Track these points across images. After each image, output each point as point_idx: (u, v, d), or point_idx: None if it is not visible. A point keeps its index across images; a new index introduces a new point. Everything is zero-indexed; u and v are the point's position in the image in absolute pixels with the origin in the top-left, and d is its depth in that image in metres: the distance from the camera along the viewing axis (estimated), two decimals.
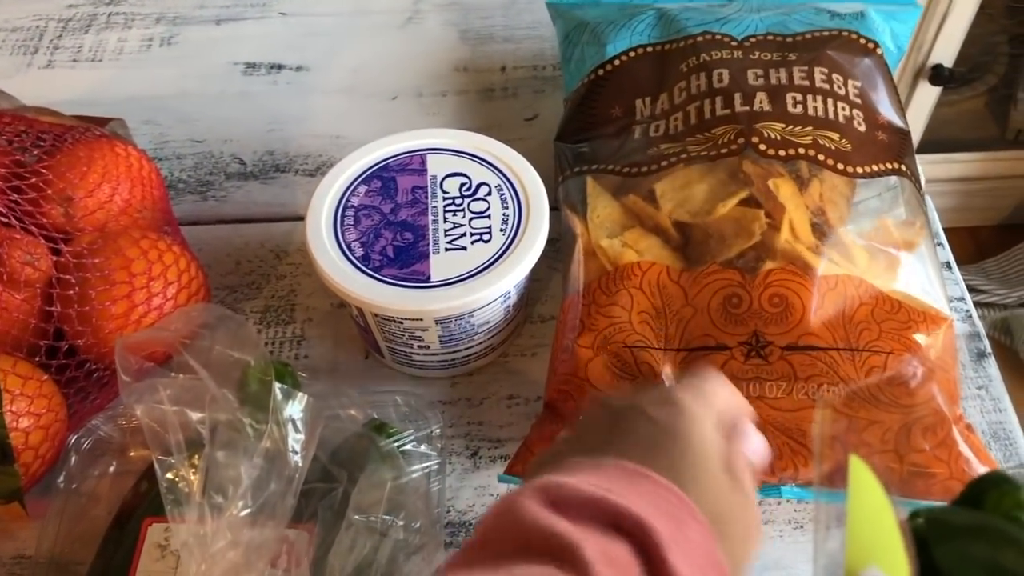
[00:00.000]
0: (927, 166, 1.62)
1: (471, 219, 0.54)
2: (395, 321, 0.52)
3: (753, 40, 0.60)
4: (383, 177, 0.57)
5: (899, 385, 0.48)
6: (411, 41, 0.80)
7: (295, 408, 0.44)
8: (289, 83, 0.77)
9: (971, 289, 1.57)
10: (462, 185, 0.56)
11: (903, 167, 0.55)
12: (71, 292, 0.53)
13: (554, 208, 0.57)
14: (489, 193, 0.56)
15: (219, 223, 0.68)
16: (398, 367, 0.59)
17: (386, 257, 0.53)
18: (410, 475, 0.48)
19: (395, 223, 0.54)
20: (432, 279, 0.52)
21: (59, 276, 0.53)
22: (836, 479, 0.49)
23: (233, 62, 0.79)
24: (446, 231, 0.54)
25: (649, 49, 0.61)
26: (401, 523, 0.45)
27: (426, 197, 0.56)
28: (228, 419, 0.43)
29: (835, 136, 0.54)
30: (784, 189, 0.52)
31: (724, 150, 0.54)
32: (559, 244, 0.62)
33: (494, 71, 0.77)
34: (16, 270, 0.52)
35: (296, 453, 0.43)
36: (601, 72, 0.62)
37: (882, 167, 0.54)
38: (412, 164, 0.57)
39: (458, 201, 0.55)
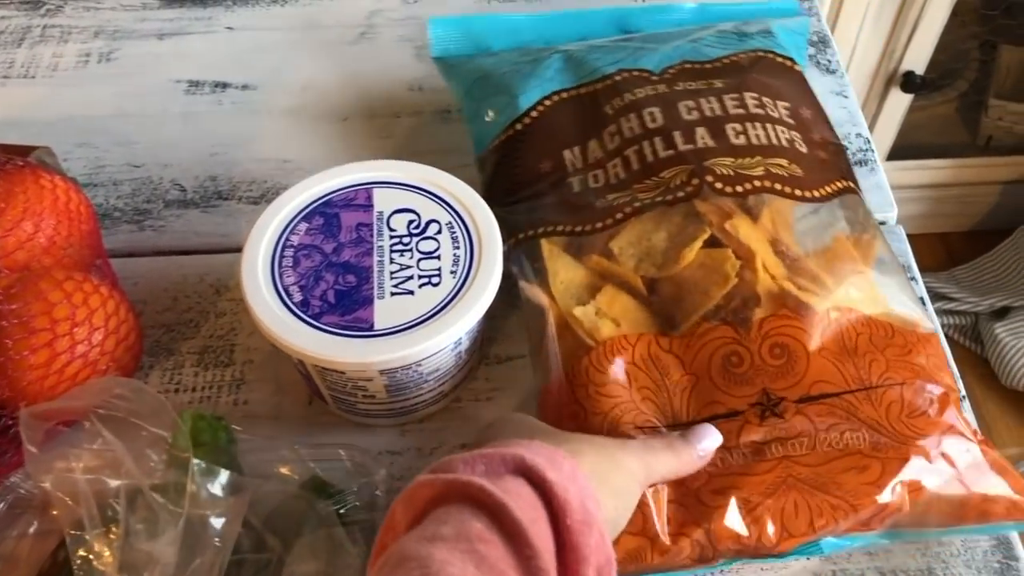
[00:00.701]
0: (898, 172, 1.61)
1: (419, 260, 0.51)
2: (337, 371, 0.49)
3: (672, 72, 0.57)
4: (326, 213, 0.53)
5: (920, 416, 0.46)
6: (363, 58, 0.77)
7: (217, 484, 0.40)
8: (234, 102, 0.73)
9: (942, 297, 1.56)
10: (410, 222, 0.53)
11: (851, 184, 0.54)
12: None
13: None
14: (439, 231, 0.52)
15: (157, 255, 0.64)
16: (343, 414, 0.55)
17: (326, 303, 0.49)
18: (349, 544, 0.45)
19: (337, 264, 0.51)
20: (376, 327, 0.48)
21: None
22: (872, 523, 0.46)
23: (175, 80, 0.75)
24: (392, 273, 0.50)
25: (565, 95, 0.58)
26: None
27: (371, 236, 0.52)
28: (144, 492, 0.39)
29: (784, 162, 0.52)
30: (743, 228, 0.49)
31: (680, 193, 0.51)
32: (515, 280, 0.59)
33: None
34: None
35: (217, 534, 0.39)
36: (519, 127, 0.58)
37: (834, 187, 0.53)
38: (357, 199, 0.54)
39: (406, 240, 0.52)
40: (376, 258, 0.51)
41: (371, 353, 0.47)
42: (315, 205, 0.53)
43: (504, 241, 0.54)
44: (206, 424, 0.48)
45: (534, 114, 0.58)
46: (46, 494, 0.49)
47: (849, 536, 0.46)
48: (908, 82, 1.45)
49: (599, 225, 0.52)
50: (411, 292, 0.50)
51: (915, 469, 0.45)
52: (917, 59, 1.42)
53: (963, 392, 0.52)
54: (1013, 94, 1.60)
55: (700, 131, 0.53)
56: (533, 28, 0.65)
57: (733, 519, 0.44)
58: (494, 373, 0.58)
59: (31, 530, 0.50)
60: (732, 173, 0.51)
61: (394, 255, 0.51)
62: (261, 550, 0.44)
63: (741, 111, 0.54)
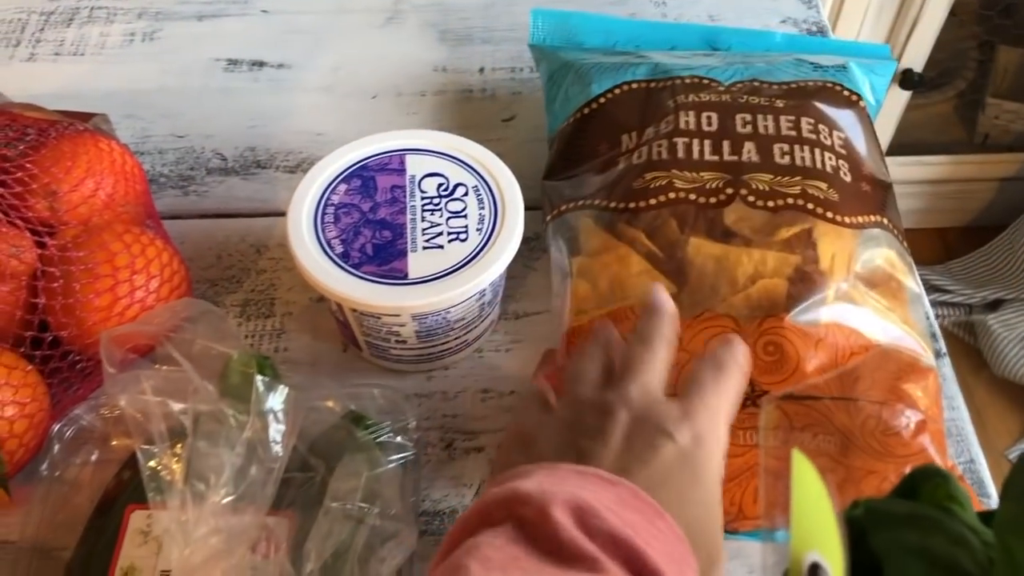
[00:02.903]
0: (896, 168, 1.66)
1: (448, 218, 0.56)
2: (373, 316, 0.54)
3: (739, 86, 0.60)
4: (363, 176, 0.58)
5: (893, 435, 0.48)
6: (391, 40, 0.82)
7: (276, 400, 0.45)
8: (271, 80, 0.79)
9: (937, 289, 1.61)
10: (440, 185, 0.58)
11: (886, 220, 0.55)
12: (56, 284, 0.54)
13: (529, 208, 0.58)
14: (466, 193, 0.57)
15: (200, 217, 0.69)
16: (376, 360, 0.60)
17: (365, 255, 0.54)
18: (386, 465, 0.50)
19: (374, 221, 0.56)
20: (410, 276, 0.53)
21: (44, 269, 0.54)
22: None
23: (215, 58, 0.80)
24: (424, 230, 0.56)
25: (635, 86, 0.61)
26: (377, 510, 0.47)
27: (405, 196, 0.57)
28: (210, 410, 0.44)
29: (823, 186, 0.54)
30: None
31: (713, 199, 0.53)
32: (534, 244, 0.64)
33: (472, 72, 0.79)
34: (2, 262, 0.53)
35: (277, 443, 0.44)
36: (587, 111, 0.62)
37: (867, 219, 0.54)
38: (391, 164, 0.59)
39: (436, 201, 0.57)
40: (409, 216, 0.56)
41: (405, 298, 0.52)
42: (353, 169, 0.59)
43: (548, 212, 0.59)
44: (254, 362, 0.53)
45: (602, 100, 0.62)
46: (106, 423, 0.54)
47: None
48: (907, 79, 1.50)
49: (632, 205, 0.55)
50: (441, 247, 0.55)
51: (878, 482, 0.47)
52: (916, 57, 1.47)
53: (954, 429, 0.56)
54: (1010, 93, 1.64)
55: (748, 145, 0.56)
56: (624, 31, 0.69)
57: None
58: (513, 327, 0.63)
59: (93, 458, 0.55)
60: (768, 189, 0.54)
61: (425, 214, 0.56)
62: (306, 470, 0.49)
63: (793, 133, 0.56)
